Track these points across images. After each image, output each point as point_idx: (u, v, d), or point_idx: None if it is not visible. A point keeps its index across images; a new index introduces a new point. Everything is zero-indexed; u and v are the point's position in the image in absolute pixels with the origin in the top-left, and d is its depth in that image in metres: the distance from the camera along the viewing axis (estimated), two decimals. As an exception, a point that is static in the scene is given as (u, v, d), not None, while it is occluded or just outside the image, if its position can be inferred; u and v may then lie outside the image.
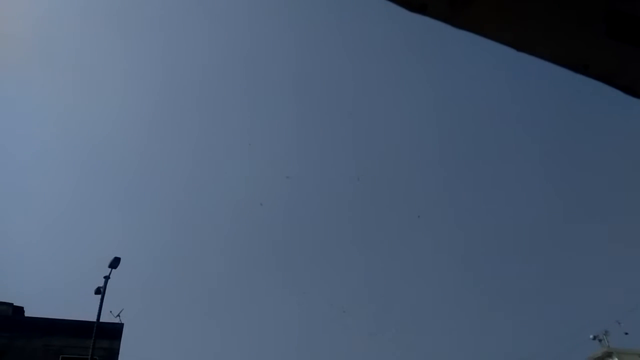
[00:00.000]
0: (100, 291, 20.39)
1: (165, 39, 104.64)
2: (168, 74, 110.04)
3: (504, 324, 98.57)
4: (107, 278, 20.64)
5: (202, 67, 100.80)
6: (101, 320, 20.16)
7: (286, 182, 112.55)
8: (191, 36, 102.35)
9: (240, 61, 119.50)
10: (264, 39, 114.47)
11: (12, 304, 28.73)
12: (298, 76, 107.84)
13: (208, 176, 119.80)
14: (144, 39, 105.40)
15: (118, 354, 26.77)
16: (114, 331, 26.69)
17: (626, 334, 46.73)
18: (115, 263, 20.55)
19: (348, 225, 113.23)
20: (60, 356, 25.95)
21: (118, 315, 25.91)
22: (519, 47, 2.72)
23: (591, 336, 45.59)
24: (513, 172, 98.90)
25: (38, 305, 75.04)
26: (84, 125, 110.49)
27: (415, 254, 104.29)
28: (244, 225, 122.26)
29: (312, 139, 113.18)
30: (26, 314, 28.80)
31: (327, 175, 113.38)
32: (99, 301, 20.15)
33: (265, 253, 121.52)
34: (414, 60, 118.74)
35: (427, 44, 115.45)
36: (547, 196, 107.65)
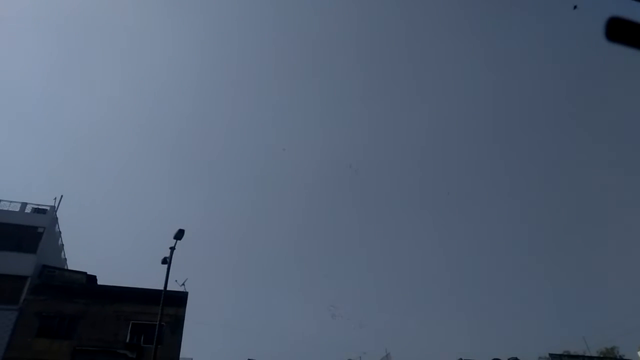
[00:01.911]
0: (166, 261, 21.22)
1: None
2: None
3: (567, 301, 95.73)
4: (172, 249, 21.43)
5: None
6: (167, 289, 20.97)
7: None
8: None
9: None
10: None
11: (86, 273, 30.53)
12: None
13: (271, 148, 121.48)
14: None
15: (183, 320, 28.02)
16: (179, 299, 27.91)
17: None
18: (180, 235, 21.28)
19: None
20: (130, 322, 27.45)
21: (183, 284, 26.96)
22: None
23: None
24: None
25: (109, 275, 79.53)
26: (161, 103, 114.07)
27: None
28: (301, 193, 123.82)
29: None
30: (98, 283, 30.53)
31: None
32: (166, 271, 20.96)
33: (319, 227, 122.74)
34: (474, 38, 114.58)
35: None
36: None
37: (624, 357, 42.99)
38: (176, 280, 25.41)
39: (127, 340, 26.81)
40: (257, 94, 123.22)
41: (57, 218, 32.01)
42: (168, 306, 23.22)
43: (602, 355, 45.19)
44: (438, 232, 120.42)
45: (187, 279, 26.09)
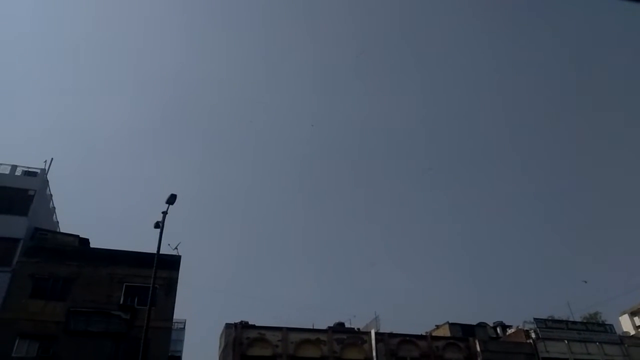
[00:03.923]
0: (159, 225, 21.22)
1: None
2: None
3: (553, 267, 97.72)
4: (165, 213, 21.41)
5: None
6: (160, 252, 21.08)
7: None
8: None
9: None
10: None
11: (79, 235, 30.60)
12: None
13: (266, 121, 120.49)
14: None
15: (177, 282, 28.34)
16: (172, 262, 28.12)
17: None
18: (172, 199, 21.21)
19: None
20: (124, 284, 27.72)
21: (176, 248, 27.10)
22: None
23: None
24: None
25: (102, 238, 79.81)
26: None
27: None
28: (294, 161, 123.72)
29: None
30: (91, 246, 30.63)
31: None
32: (159, 235, 21.01)
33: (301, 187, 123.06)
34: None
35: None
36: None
37: (606, 322, 44.21)
38: (169, 244, 25.48)
39: (121, 301, 27.10)
40: (250, 48, 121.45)
41: (47, 181, 31.84)
42: (161, 269, 23.38)
43: (585, 321, 46.43)
44: (431, 198, 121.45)
45: (179, 243, 26.19)
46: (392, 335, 33.49)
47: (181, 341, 45.65)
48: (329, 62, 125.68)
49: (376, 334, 32.86)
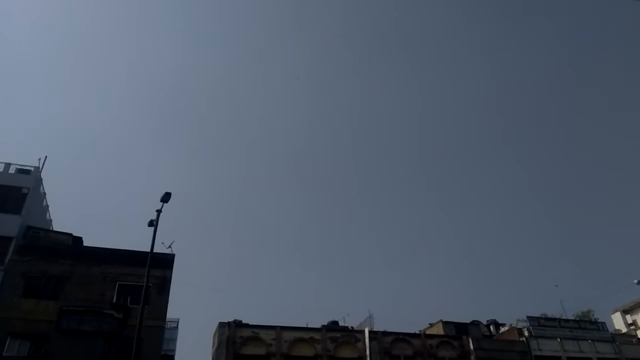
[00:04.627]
0: (153, 224, 21.17)
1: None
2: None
3: (547, 265, 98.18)
4: (159, 212, 21.36)
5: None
6: (154, 251, 21.02)
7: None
8: None
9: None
10: None
11: (72, 234, 30.46)
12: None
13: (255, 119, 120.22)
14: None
15: (170, 281, 28.27)
16: (166, 261, 28.05)
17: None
18: (166, 197, 21.17)
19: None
20: (117, 282, 27.63)
21: (170, 247, 26.96)
22: None
23: (635, 281, 44.91)
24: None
25: (96, 237, 79.51)
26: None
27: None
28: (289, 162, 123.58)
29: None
30: (85, 244, 30.51)
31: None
32: (152, 233, 20.96)
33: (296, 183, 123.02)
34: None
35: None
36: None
37: (598, 320, 44.47)
38: (163, 243, 25.34)
39: (114, 300, 27.02)
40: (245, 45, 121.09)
41: (41, 179, 31.67)
42: (155, 268, 23.32)
43: (577, 319, 46.69)
44: (424, 197, 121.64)
45: (173, 242, 26.03)
46: (385, 333, 33.54)
47: (174, 340, 45.49)
48: (325, 60, 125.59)
49: (370, 332, 32.90)
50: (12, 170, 30.28)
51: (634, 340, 41.21)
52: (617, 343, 38.67)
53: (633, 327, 46.15)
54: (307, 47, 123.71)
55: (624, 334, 42.79)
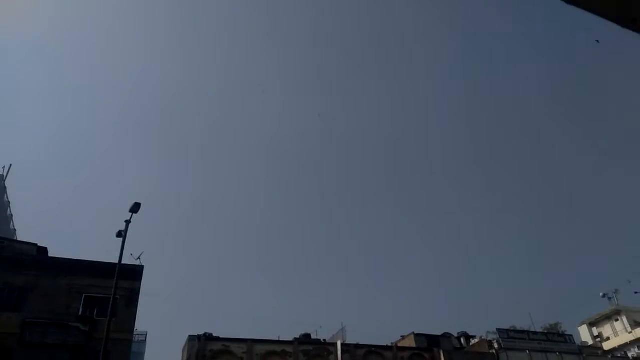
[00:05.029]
0: (121, 234, 20.80)
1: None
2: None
3: (516, 278, 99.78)
4: (128, 222, 21.01)
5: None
6: (123, 262, 20.61)
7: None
8: None
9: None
10: None
11: (37, 244, 29.56)
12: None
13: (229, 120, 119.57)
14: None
15: (139, 293, 27.64)
16: (134, 272, 27.44)
17: (636, 293, 47.03)
18: (136, 208, 20.88)
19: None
20: (83, 295, 26.86)
21: (139, 258, 26.53)
22: (570, 0, 2.75)
23: (601, 294, 45.96)
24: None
25: (62, 247, 77.47)
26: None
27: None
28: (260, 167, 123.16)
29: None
30: (50, 255, 29.64)
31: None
32: (121, 244, 20.57)
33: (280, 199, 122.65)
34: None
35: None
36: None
37: (566, 333, 45.31)
38: (132, 254, 24.98)
39: (80, 313, 26.25)
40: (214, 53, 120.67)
41: (5, 187, 30.80)
42: (123, 279, 22.79)
43: (546, 331, 47.51)
44: (394, 211, 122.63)
45: (142, 253, 25.72)
46: (358, 346, 33.49)
47: (142, 354, 44.52)
48: (304, 64, 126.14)
49: (342, 345, 32.81)
50: (-25, 178, 29.39)
51: (599, 352, 42.17)
52: (584, 355, 39.47)
53: (599, 339, 47.22)
54: (278, 56, 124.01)
55: (590, 346, 43.74)
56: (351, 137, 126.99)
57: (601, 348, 43.80)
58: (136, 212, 20.97)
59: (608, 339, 47.83)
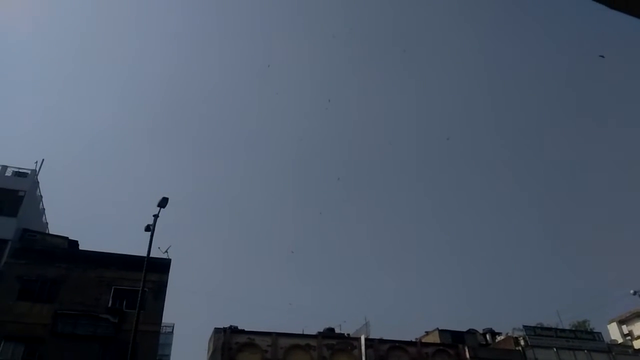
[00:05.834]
0: (150, 228, 21.19)
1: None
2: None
3: (543, 275, 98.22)
4: (156, 217, 21.39)
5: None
6: (151, 255, 21.00)
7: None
8: None
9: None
10: None
11: (68, 237, 30.34)
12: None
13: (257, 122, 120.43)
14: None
15: (166, 286, 28.15)
16: (162, 266, 27.96)
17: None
18: (163, 202, 21.23)
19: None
20: (113, 287, 27.49)
21: (166, 251, 26.97)
22: (613, 5, 2.72)
23: (632, 291, 44.91)
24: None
25: (93, 240, 79.27)
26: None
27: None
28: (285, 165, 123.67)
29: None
30: (80, 248, 30.39)
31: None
32: (149, 238, 20.95)
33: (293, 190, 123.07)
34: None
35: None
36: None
37: (594, 330, 44.45)
38: (159, 247, 25.39)
39: (109, 304, 26.87)
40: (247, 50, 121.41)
41: (38, 182, 31.59)
42: (151, 272, 23.24)
43: (573, 328, 46.67)
44: (420, 202, 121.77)
45: (170, 246, 26.12)
46: (382, 341, 33.46)
47: (169, 345, 45.42)
48: (323, 62, 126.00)
49: (366, 339, 32.82)
50: (8, 173, 30.21)
51: (629, 350, 41.22)
52: (613, 353, 38.66)
53: (629, 337, 46.15)
54: (304, 47, 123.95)
55: (619, 344, 42.78)
56: (380, 131, 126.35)
57: (631, 346, 42.80)
58: (164, 206, 21.34)
59: (639, 337, 46.76)
